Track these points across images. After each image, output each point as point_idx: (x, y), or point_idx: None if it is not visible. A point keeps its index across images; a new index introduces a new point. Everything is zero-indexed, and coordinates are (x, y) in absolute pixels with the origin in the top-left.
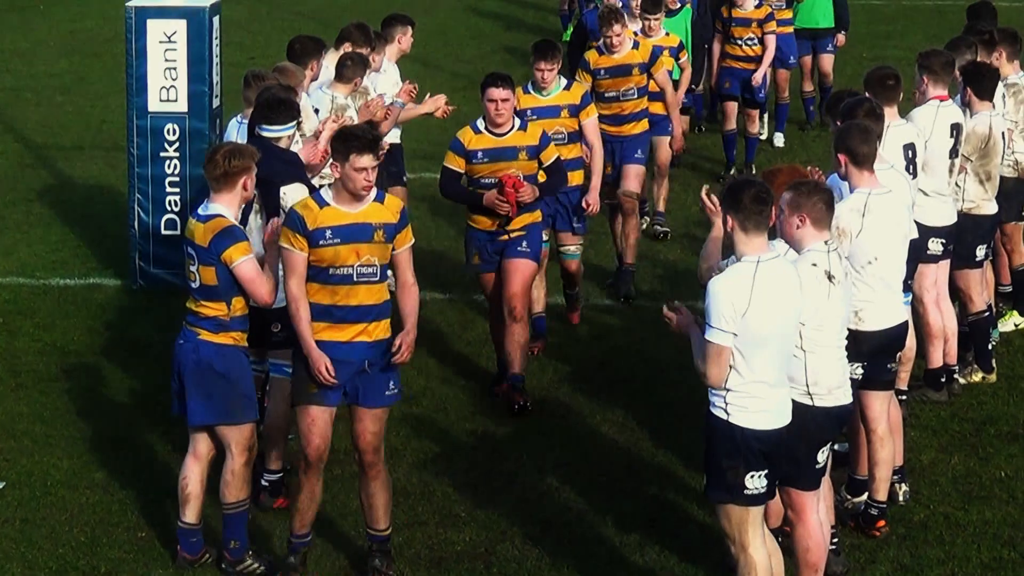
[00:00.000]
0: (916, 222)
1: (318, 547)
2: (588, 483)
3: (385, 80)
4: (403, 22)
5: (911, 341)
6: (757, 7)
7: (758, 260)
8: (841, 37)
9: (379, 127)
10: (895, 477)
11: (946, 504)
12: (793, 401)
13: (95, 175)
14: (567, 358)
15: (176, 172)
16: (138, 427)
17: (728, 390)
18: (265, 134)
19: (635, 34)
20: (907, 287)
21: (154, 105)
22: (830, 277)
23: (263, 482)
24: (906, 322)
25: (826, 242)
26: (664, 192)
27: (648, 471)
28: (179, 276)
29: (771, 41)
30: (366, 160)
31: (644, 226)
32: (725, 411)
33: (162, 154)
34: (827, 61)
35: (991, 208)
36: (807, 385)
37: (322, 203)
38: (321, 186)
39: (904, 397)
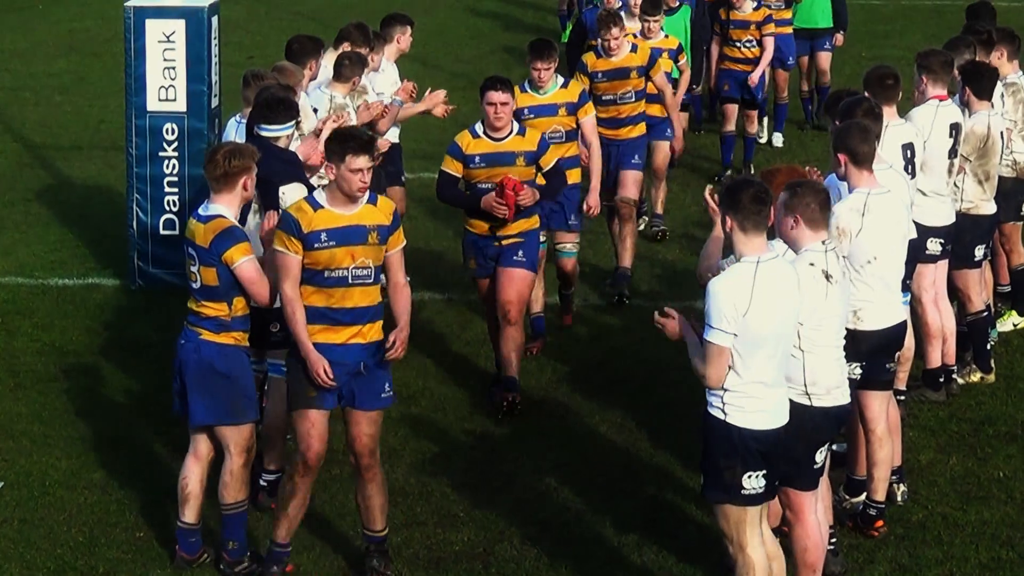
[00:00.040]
0: (915, 222)
1: (316, 547)
2: (586, 483)
3: (384, 80)
4: (402, 22)
5: (910, 341)
6: (755, 10)
7: (758, 260)
8: (840, 37)
9: (377, 125)
10: (893, 477)
11: (944, 504)
12: (791, 401)
13: (94, 175)
14: (566, 358)
15: (175, 172)
16: (136, 427)
17: (726, 390)
18: (264, 133)
19: (634, 36)
20: (906, 287)
21: (153, 105)
22: (828, 277)
23: (261, 482)
24: (905, 322)
25: (823, 242)
26: (662, 195)
27: (646, 471)
28: (178, 276)
29: (769, 43)
30: (362, 161)
31: (642, 226)
32: (723, 411)
33: (161, 154)
34: (824, 59)
35: (990, 208)
36: (805, 385)
37: (316, 206)
38: (320, 186)
39: (903, 397)
